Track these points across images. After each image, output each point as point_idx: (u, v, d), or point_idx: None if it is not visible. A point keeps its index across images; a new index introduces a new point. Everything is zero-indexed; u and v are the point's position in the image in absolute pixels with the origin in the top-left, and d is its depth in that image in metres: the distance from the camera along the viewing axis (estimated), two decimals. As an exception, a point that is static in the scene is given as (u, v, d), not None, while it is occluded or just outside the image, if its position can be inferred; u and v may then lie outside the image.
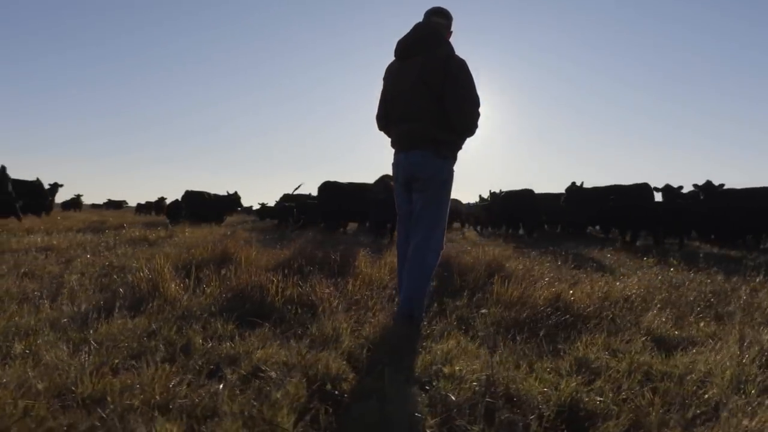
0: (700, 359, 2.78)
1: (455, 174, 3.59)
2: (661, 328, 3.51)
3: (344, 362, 2.43)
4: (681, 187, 12.44)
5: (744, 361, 2.70)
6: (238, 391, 2.02)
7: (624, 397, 2.13)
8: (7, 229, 11.20)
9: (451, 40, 3.68)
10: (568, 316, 3.58)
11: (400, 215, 3.74)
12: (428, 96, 3.38)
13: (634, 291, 4.75)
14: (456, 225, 21.94)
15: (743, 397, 2.17)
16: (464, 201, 22.05)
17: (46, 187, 19.23)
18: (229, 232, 12.18)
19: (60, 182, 20.76)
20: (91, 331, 2.76)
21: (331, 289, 4.02)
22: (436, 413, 1.90)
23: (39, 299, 3.59)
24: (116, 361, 2.32)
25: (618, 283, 5.13)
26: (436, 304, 3.94)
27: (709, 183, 12.54)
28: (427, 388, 2.15)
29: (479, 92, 3.43)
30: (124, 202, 51.79)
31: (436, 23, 3.58)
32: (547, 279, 5.10)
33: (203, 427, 1.69)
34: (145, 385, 1.99)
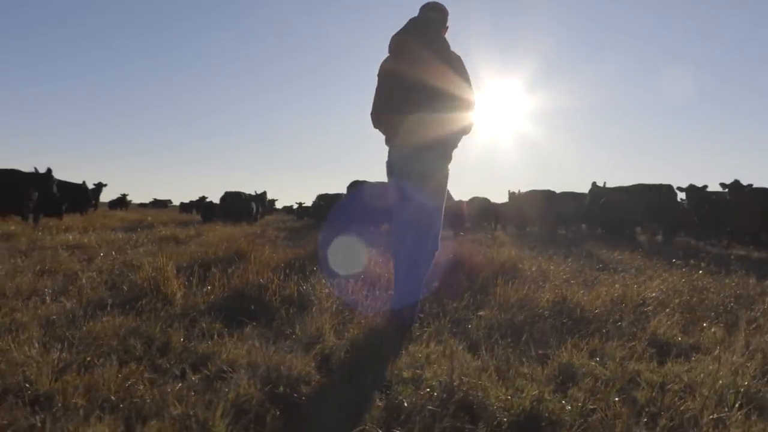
0: (697, 367, 2.64)
1: (451, 172, 3.52)
2: (668, 334, 3.35)
3: (312, 364, 2.39)
4: (705, 186, 11.97)
5: (742, 370, 2.54)
6: (193, 392, 2.01)
7: (593, 406, 2.02)
8: (48, 227, 11.61)
9: (447, 35, 3.60)
10: (567, 319, 3.46)
11: (395, 214, 3.68)
12: (422, 93, 3.31)
13: (654, 294, 4.56)
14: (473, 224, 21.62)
15: (725, 410, 2.03)
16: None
17: (91, 187, 19.93)
18: (258, 231, 12.34)
19: (104, 182, 21.46)
20: (77, 329, 2.80)
21: (331, 289, 4.00)
22: (382, 419, 1.84)
23: (44, 296, 3.68)
24: (88, 358, 2.35)
25: (636, 286, 4.93)
26: (435, 305, 3.88)
27: (736, 182, 11.94)
28: (387, 393, 2.09)
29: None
30: (169, 201, 53.17)
31: (432, 18, 3.50)
32: (559, 281, 4.96)
33: (140, 428, 1.68)
34: (102, 383, 1.99)
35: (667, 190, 12.69)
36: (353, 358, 2.59)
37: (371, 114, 3.76)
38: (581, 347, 2.84)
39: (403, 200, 3.56)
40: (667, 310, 3.98)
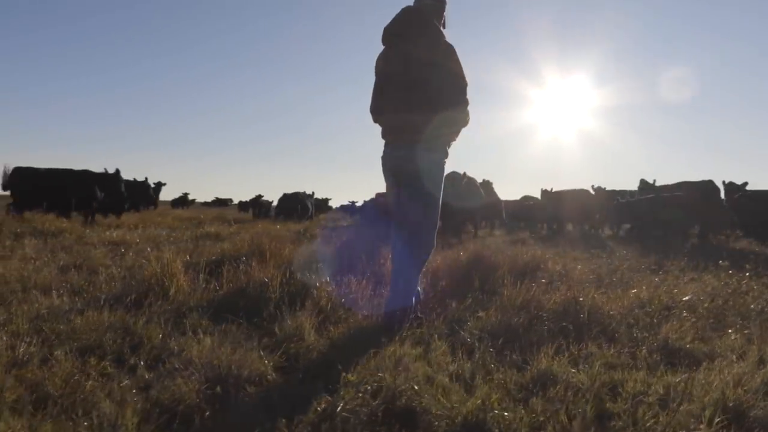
0: (695, 378, 2.41)
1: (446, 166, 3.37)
2: (680, 341, 3.10)
3: (271, 364, 2.32)
4: (746, 183, 11.22)
5: (745, 383, 2.29)
6: (134, 390, 1.98)
7: (543, 418, 1.85)
8: (100, 224, 12.11)
9: (448, 24, 3.46)
10: (569, 323, 3.25)
11: (393, 212, 3.57)
12: (414, 85, 3.19)
13: (686, 297, 4.26)
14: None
15: (700, 426, 1.82)
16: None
17: (152, 185, 20.74)
18: (302, 230, 12.45)
19: (164, 181, 22.23)
20: (62, 323, 2.83)
21: (333, 287, 3.93)
22: (310, 424, 1.75)
23: (50, 290, 3.78)
24: (55, 352, 2.36)
25: (669, 288, 4.62)
26: (438, 305, 3.75)
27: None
28: (331, 396, 1.99)
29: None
30: (230, 200, 54.63)
31: (427, 6, 3.35)
32: (583, 282, 4.71)
33: (47, 424, 1.65)
34: (48, 378, 1.99)
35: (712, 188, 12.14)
36: (322, 359, 2.51)
37: (370, 110, 3.66)
38: (570, 353, 2.66)
39: (397, 198, 3.45)
40: (688, 314, 3.70)
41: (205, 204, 55.47)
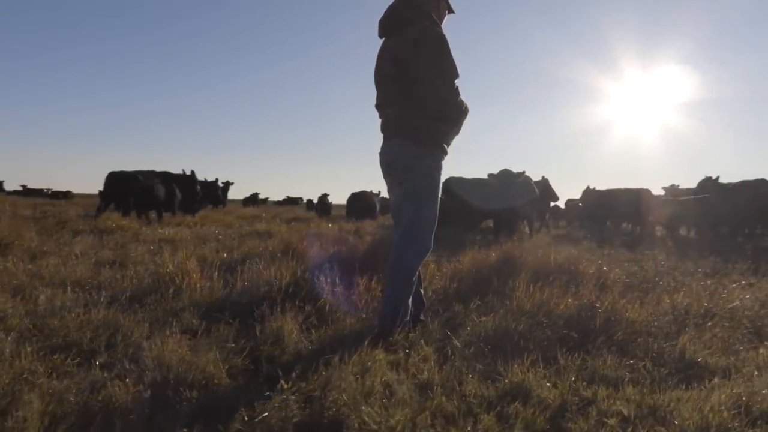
0: (691, 396, 2.15)
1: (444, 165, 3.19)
2: (699, 353, 2.80)
3: (226, 367, 2.25)
4: None
5: (746, 402, 2.02)
6: (74, 390, 1.96)
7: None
8: (165, 222, 12.59)
9: (448, 15, 3.28)
10: (572, 331, 3.01)
11: (391, 212, 3.43)
12: (404, 78, 3.04)
13: (732, 304, 3.89)
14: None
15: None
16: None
17: (221, 185, 21.43)
18: (353, 228, 12.47)
19: (231, 180, 22.90)
20: (53, 319, 2.88)
21: (340, 287, 3.84)
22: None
23: (75, 287, 3.89)
24: (29, 349, 2.40)
25: (709, 294, 4.24)
26: (444, 307, 3.59)
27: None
28: (265, 404, 1.89)
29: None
30: (300, 198, 55.75)
31: None
32: (610, 285, 4.40)
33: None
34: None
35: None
36: (291, 363, 2.42)
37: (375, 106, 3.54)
38: (555, 364, 2.45)
39: (394, 197, 3.31)
40: (725, 323, 3.36)
41: (277, 203, 56.90)
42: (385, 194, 26.97)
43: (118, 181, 13.02)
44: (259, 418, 1.75)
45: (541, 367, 2.44)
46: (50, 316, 2.93)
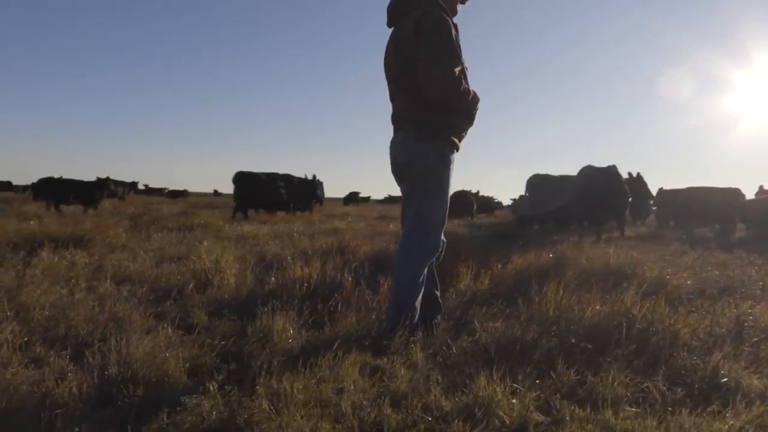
0: (691, 423, 1.85)
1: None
2: (734, 373, 2.43)
3: (186, 366, 2.23)
4: None
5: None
6: (32, 382, 2.02)
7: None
8: (257, 220, 13.11)
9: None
10: (588, 342, 2.72)
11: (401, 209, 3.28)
12: (406, 68, 2.89)
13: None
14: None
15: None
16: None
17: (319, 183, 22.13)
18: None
19: (320, 179, 23.58)
20: (73, 312, 3.02)
21: (362, 286, 3.75)
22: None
23: (113, 281, 4.10)
24: (25, 339, 2.53)
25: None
26: (463, 310, 3.40)
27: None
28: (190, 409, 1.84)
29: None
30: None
31: None
32: (670, 291, 3.95)
33: None
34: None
35: None
36: (261, 363, 2.37)
37: None
38: (543, 378, 2.20)
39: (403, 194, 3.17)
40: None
41: (380, 202, 57.63)
42: (483, 193, 26.50)
43: (244, 180, 13.98)
44: (172, 421, 1.70)
45: (520, 380, 2.21)
46: (68, 308, 3.09)
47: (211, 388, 1.89)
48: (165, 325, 2.73)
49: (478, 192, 24.33)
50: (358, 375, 2.26)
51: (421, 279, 2.97)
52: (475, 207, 21.52)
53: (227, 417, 1.71)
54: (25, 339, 2.52)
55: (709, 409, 2.07)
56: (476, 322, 3.00)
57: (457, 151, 3.03)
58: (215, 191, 60.64)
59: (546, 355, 2.56)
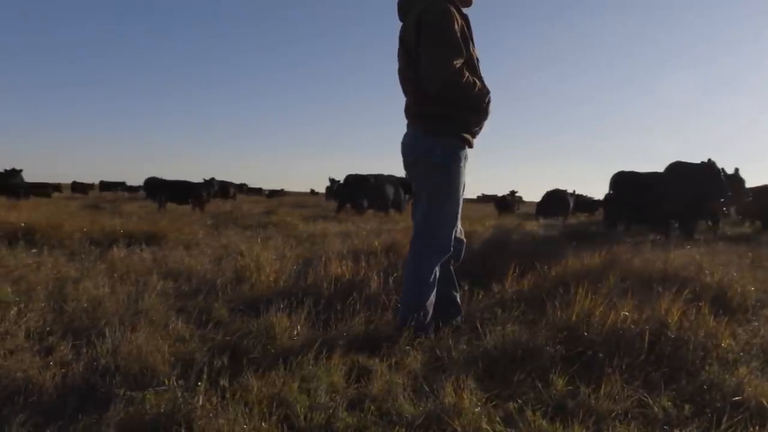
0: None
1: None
2: (760, 391, 2.18)
3: (172, 359, 2.29)
4: None
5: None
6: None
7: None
8: (344, 218, 13.32)
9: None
10: (598, 350, 2.53)
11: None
12: (405, 63, 2.84)
13: None
14: None
15: None
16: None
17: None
18: (514, 226, 11.98)
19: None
20: (108, 304, 3.21)
21: (389, 285, 3.72)
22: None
23: (160, 275, 4.31)
24: (47, 329, 2.72)
25: None
26: (479, 315, 3.27)
27: None
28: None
29: None
30: (496, 195, 55.25)
31: None
32: (731, 297, 3.60)
33: None
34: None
35: None
36: (250, 360, 2.40)
37: None
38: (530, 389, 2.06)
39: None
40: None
41: (471, 200, 56.93)
42: (579, 192, 25.41)
43: (353, 183, 14.47)
44: (103, 415, 1.76)
45: (502, 390, 2.09)
46: (103, 301, 3.28)
47: (167, 381, 1.93)
48: (176, 320, 2.84)
49: (574, 191, 23.38)
50: (340, 375, 2.23)
51: (431, 279, 2.89)
52: (570, 206, 20.77)
53: (168, 411, 1.74)
54: (48, 329, 2.72)
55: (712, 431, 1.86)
56: (488, 326, 2.87)
57: (470, 147, 2.93)
58: (311, 190, 62.57)
59: (545, 363, 2.40)
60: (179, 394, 1.81)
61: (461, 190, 2.92)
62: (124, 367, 2.14)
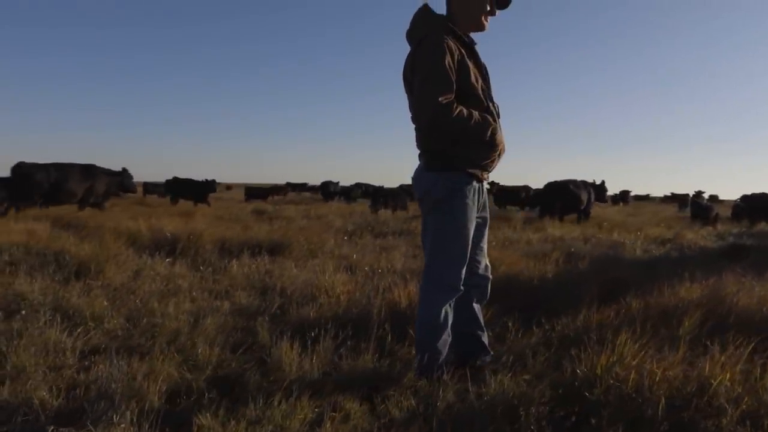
0: None
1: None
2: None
3: (163, 388, 2.48)
4: None
5: None
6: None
7: None
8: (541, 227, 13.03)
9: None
10: (592, 416, 2.20)
11: None
12: (408, 95, 2.78)
13: None
14: None
15: None
16: None
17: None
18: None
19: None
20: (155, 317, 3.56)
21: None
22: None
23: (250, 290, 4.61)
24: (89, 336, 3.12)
25: None
26: (510, 358, 3.01)
27: None
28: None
29: None
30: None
31: None
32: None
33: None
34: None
35: None
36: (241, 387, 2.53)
37: None
38: None
39: None
40: None
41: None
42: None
43: (553, 190, 14.92)
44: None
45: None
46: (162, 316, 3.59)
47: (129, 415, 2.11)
48: (203, 346, 3.04)
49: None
50: (299, 420, 2.24)
51: (441, 320, 2.78)
52: (714, 213, 18.43)
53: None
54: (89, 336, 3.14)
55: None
56: (497, 374, 2.64)
57: (479, 182, 2.76)
58: (539, 199, 61.93)
59: (521, 425, 2.16)
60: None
61: (469, 227, 2.76)
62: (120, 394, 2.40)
